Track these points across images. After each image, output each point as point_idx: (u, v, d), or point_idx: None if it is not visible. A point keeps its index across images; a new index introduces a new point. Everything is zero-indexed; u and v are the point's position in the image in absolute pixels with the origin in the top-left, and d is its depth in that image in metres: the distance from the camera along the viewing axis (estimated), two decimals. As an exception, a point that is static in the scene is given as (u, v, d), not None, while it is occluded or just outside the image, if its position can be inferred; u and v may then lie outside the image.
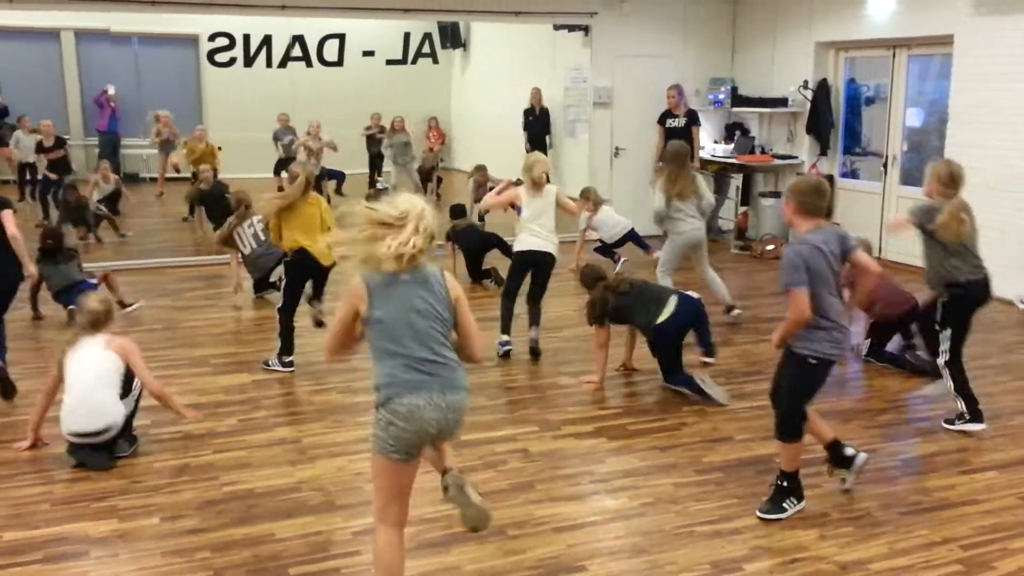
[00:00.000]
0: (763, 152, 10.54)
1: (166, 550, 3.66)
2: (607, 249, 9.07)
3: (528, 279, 6.31)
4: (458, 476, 3.34)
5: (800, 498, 4.06)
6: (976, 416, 4.96)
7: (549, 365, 6.14)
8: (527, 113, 12.52)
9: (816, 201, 3.91)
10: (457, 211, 9.18)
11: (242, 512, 3.99)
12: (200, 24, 14.28)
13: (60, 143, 11.41)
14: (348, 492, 4.17)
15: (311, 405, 5.35)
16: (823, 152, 9.98)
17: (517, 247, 6.31)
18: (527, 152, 12.22)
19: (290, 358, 5.99)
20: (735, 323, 7.11)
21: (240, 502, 4.08)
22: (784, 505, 4.03)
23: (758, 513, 4.00)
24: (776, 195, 10.20)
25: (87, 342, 4.56)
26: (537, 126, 12.29)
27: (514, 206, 6.37)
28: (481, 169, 10.88)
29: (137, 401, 4.70)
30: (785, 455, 4.04)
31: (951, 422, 5.03)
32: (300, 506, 4.05)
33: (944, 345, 4.98)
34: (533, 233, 6.17)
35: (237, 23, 14.12)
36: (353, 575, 3.50)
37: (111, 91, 14.38)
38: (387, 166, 13.41)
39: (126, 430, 4.60)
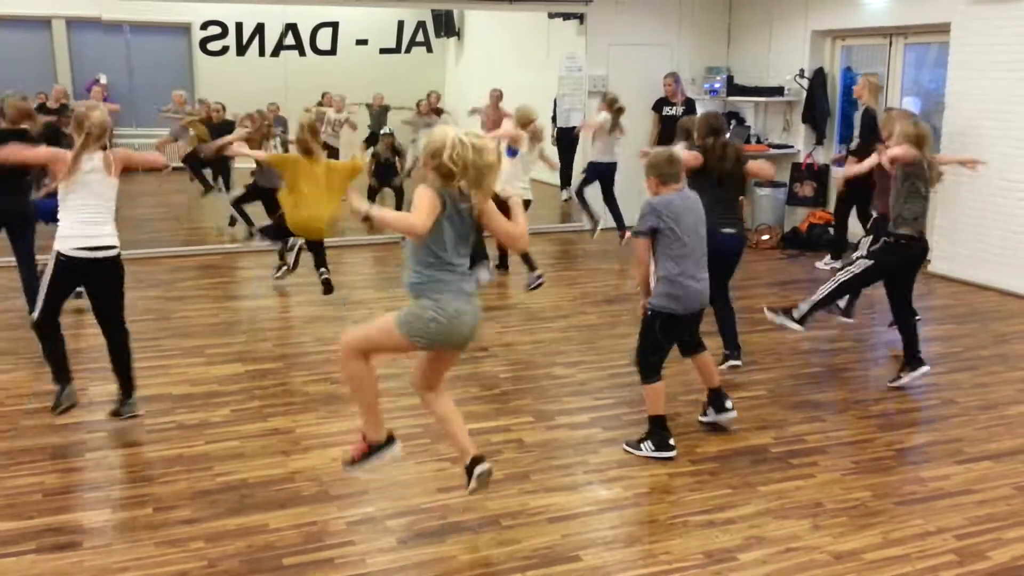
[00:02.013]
0: (759, 141, 10.51)
1: (159, 540, 3.65)
2: (593, 179, 9.12)
3: None
4: (487, 472, 3.69)
5: (660, 447, 4.42)
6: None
7: (543, 356, 6.13)
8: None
9: (672, 170, 4.41)
10: None
11: (236, 502, 3.98)
12: (192, 12, 14.19)
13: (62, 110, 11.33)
14: (342, 482, 4.16)
15: (305, 396, 5.33)
16: (819, 141, 9.98)
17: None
18: (553, 143, 12.25)
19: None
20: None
21: (234, 492, 4.07)
22: (641, 446, 4.46)
23: (629, 449, 4.48)
24: (772, 185, 10.19)
25: (93, 163, 4.54)
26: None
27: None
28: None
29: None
30: (645, 398, 4.53)
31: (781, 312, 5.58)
32: (294, 496, 4.04)
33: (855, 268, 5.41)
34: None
35: (229, 11, 14.02)
36: (347, 565, 3.49)
37: (103, 80, 14.29)
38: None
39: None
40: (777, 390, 5.47)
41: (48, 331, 4.73)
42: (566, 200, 12.01)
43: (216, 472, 4.27)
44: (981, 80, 7.94)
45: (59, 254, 4.52)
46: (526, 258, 7.25)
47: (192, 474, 4.25)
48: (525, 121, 7.29)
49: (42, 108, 11.32)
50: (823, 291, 5.47)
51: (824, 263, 8.74)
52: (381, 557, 3.55)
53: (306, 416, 4.99)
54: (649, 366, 4.49)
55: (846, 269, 5.47)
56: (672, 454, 4.44)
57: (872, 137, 8.31)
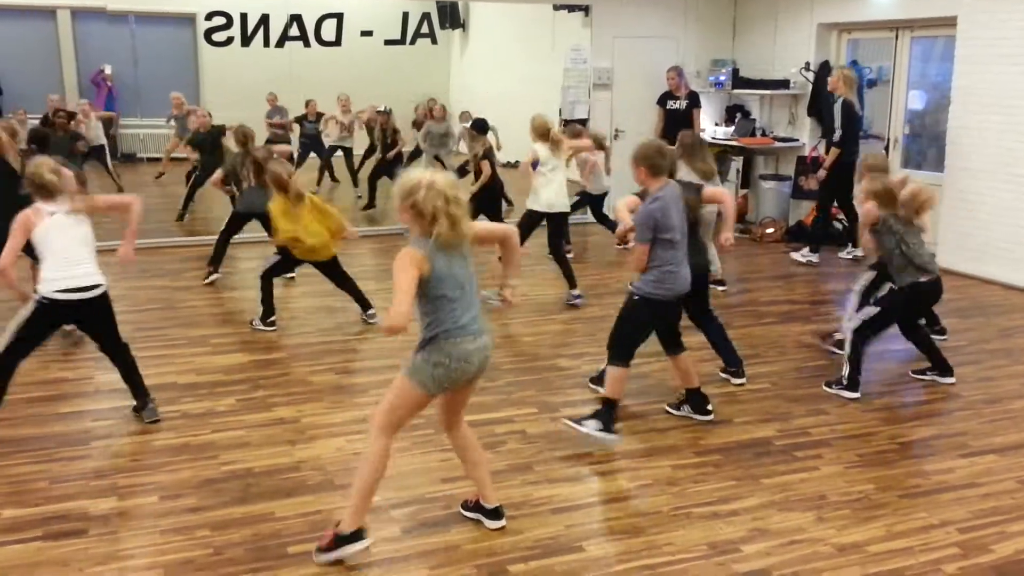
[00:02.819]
0: (764, 134, 10.50)
1: (165, 528, 3.66)
2: (585, 204, 9.00)
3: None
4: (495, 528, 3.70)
5: (605, 428, 4.47)
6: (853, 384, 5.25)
7: (548, 348, 6.14)
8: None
9: (664, 162, 4.45)
10: (480, 125, 8.45)
11: (241, 491, 3.99)
12: (197, 3, 14.17)
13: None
14: (347, 472, 4.17)
15: (309, 385, 5.34)
16: (824, 134, 9.94)
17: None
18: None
19: (272, 318, 6.39)
20: (735, 306, 7.11)
21: (239, 481, 4.08)
22: (583, 423, 4.51)
23: (572, 425, 4.54)
24: (777, 178, 10.19)
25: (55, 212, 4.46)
26: None
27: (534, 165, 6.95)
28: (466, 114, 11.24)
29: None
30: (608, 378, 4.60)
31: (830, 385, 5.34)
32: (299, 485, 4.06)
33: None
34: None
35: (234, 2, 14.00)
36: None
37: (108, 71, 14.30)
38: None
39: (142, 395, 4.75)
40: (781, 383, 5.47)
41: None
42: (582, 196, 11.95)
43: (222, 461, 4.29)
44: (987, 74, 7.92)
45: (42, 297, 4.42)
46: (566, 273, 7.12)
47: (198, 462, 4.27)
48: (543, 131, 6.94)
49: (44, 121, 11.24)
50: (847, 352, 5.29)
51: (801, 255, 8.73)
52: (385, 546, 3.56)
53: (311, 405, 5.00)
54: (625, 349, 4.58)
55: (855, 318, 5.40)
56: (616, 439, 4.49)
57: (853, 127, 8.38)
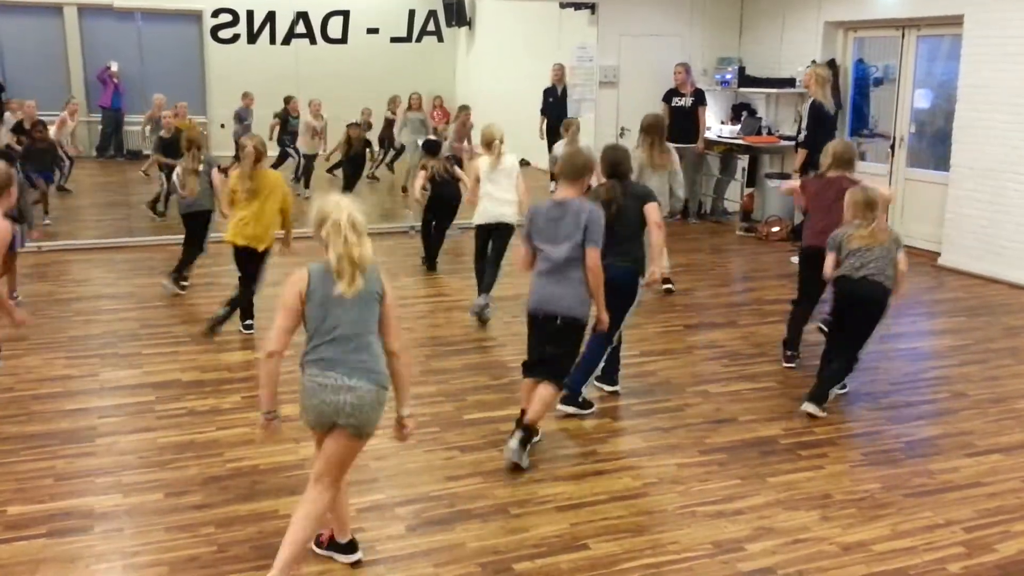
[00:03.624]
0: (770, 133, 10.47)
1: (170, 525, 3.67)
2: None
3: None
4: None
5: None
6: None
7: (553, 345, 6.13)
8: (547, 93, 11.74)
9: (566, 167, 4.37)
10: (431, 147, 8.34)
11: (246, 488, 4.00)
12: (204, 0, 14.19)
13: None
14: (352, 470, 4.14)
15: (315, 383, 5.34)
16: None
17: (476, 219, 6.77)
18: (542, 137, 12.15)
19: (249, 321, 6.20)
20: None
21: (244, 478, 4.09)
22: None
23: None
24: (783, 176, 10.16)
25: None
26: (559, 108, 10.97)
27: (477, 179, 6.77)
28: (465, 109, 11.41)
29: None
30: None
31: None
32: (304, 483, 4.00)
33: None
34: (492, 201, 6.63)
35: (241, -1, 14.03)
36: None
37: (114, 67, 14.33)
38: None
39: None
40: (787, 382, 5.46)
41: None
42: None
43: (227, 458, 4.30)
44: (993, 73, 7.89)
45: None
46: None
47: (203, 460, 4.28)
48: (488, 140, 6.69)
49: (19, 128, 11.22)
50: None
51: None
52: (390, 544, 3.57)
53: (316, 403, 5.00)
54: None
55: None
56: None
57: (819, 129, 8.37)
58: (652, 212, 4.89)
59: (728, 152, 10.55)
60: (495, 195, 6.60)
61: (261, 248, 6.13)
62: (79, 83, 15.11)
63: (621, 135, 10.70)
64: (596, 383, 5.08)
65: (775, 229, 9.73)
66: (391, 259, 8.71)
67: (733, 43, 10.95)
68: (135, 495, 3.94)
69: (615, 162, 4.99)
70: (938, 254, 8.51)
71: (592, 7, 10.58)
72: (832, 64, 9.72)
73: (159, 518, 3.74)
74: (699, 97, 9.97)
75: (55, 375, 5.39)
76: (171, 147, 10.04)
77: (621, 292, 4.72)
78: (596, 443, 4.56)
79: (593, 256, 4.19)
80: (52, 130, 10.85)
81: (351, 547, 3.44)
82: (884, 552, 3.56)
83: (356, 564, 3.41)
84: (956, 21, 8.27)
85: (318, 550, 3.49)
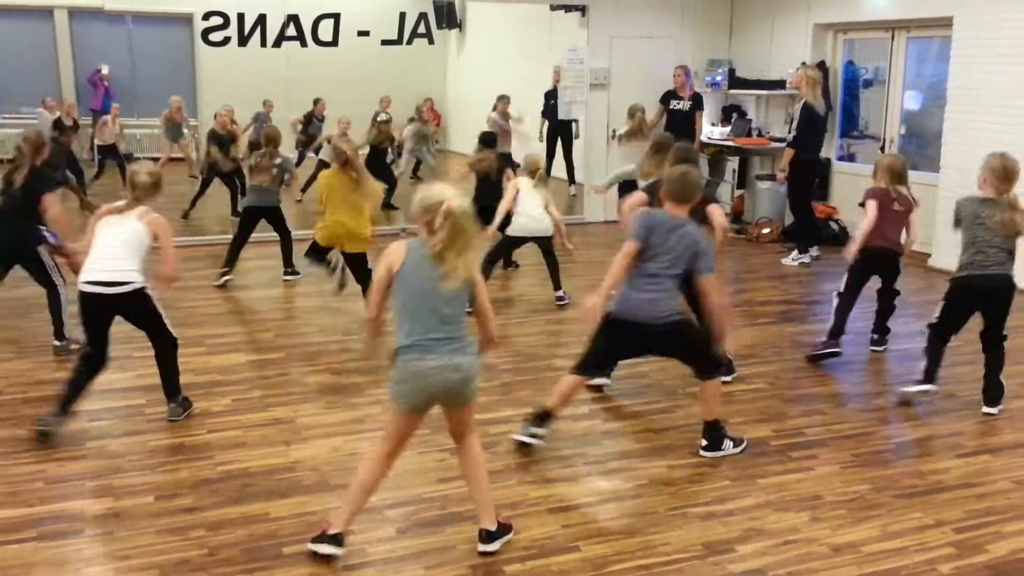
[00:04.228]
0: (760, 135, 10.51)
1: (161, 528, 3.66)
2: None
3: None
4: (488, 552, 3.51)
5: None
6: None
7: (544, 347, 6.14)
8: (548, 96, 11.74)
9: (681, 190, 4.31)
10: (489, 140, 8.56)
11: (237, 491, 3.99)
12: (194, 3, 14.15)
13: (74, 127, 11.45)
14: (342, 472, 4.17)
15: (305, 386, 5.34)
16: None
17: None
18: (541, 140, 12.14)
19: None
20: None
21: (235, 481, 4.08)
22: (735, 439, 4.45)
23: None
24: (773, 178, 10.20)
25: (123, 213, 4.58)
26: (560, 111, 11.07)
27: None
28: (504, 99, 11.36)
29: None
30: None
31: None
32: (295, 486, 4.06)
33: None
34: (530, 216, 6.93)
35: (231, 2, 13.99)
36: (348, 554, 3.49)
37: (105, 70, 14.29)
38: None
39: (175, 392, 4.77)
40: (777, 383, 5.48)
41: (84, 364, 4.60)
42: (573, 195, 12.01)
43: (217, 461, 4.29)
44: (983, 74, 7.93)
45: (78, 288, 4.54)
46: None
47: (193, 463, 4.27)
48: (533, 168, 7.18)
49: (58, 125, 11.32)
50: (926, 350, 5.14)
51: (792, 258, 8.76)
52: (381, 546, 3.56)
53: (307, 406, 5.00)
54: (712, 362, 4.49)
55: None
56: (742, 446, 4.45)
57: (809, 130, 8.47)
58: (716, 214, 5.04)
59: (718, 154, 10.57)
60: (532, 213, 6.95)
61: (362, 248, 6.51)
62: (69, 86, 15.08)
63: (613, 137, 10.72)
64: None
65: (766, 231, 9.76)
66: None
67: (723, 45, 10.98)
68: (126, 498, 3.92)
69: (683, 161, 5.05)
70: (928, 255, 8.55)
71: (582, 9, 10.60)
72: (822, 66, 9.76)
73: (150, 521, 3.72)
74: (697, 101, 9.99)
75: (46, 378, 5.37)
76: (224, 145, 10.30)
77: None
78: (587, 445, 4.56)
79: (708, 283, 4.22)
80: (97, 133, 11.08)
81: (336, 540, 3.43)
82: (874, 553, 3.57)
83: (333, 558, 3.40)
84: (945, 23, 8.32)
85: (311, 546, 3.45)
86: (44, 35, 15.00)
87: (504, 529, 3.56)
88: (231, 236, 7.93)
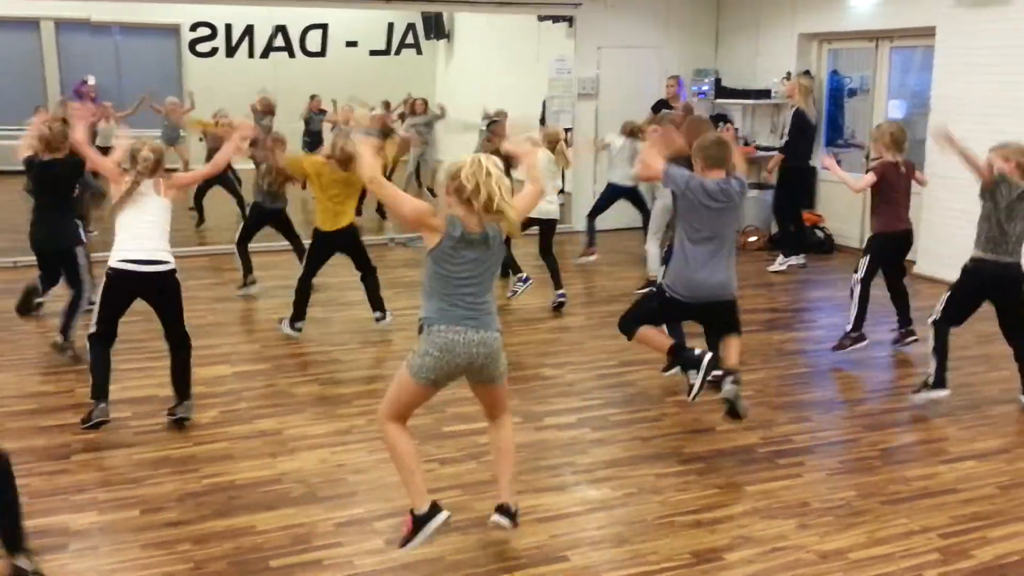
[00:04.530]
0: (746, 144, 10.56)
1: (146, 542, 3.64)
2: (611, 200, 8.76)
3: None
4: (507, 526, 3.60)
5: (694, 365, 4.55)
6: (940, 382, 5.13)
7: (532, 356, 6.14)
8: (547, 104, 11.75)
9: (720, 153, 4.45)
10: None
11: (223, 504, 3.97)
12: (181, 14, 14.17)
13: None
14: (330, 484, 4.16)
15: (292, 397, 5.32)
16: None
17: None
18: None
19: (300, 323, 6.46)
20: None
21: (221, 494, 4.06)
22: (696, 353, 4.58)
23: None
24: (759, 187, 10.25)
25: (143, 191, 4.70)
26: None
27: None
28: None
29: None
30: (649, 346, 4.76)
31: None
32: (282, 498, 4.04)
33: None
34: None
35: (219, 13, 14.01)
36: (335, 566, 3.49)
37: (91, 81, 14.21)
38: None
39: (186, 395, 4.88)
40: (764, 390, 5.49)
41: (98, 344, 4.77)
42: (561, 204, 11.97)
43: (203, 474, 4.27)
44: (966, 83, 8.00)
45: (108, 268, 4.67)
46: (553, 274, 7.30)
47: (179, 476, 4.25)
48: (553, 140, 7.39)
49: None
50: (933, 346, 5.17)
51: (778, 264, 8.80)
52: (369, 559, 3.55)
53: (294, 418, 4.99)
54: (631, 327, 4.69)
55: (935, 309, 5.26)
56: (710, 354, 4.58)
57: (800, 137, 8.58)
58: None
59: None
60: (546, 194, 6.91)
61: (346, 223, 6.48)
62: (56, 97, 15.00)
63: (605, 147, 10.74)
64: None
65: (752, 239, 9.79)
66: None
67: (709, 55, 11.04)
68: (111, 512, 3.90)
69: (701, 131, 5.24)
70: (913, 262, 8.60)
71: (570, 20, 10.65)
72: (807, 75, 9.83)
73: (135, 535, 3.70)
74: (687, 111, 10.01)
75: (30, 391, 5.34)
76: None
77: None
78: (575, 454, 4.56)
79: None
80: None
81: (433, 512, 3.44)
82: (861, 559, 3.58)
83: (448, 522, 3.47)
84: (928, 33, 8.39)
85: (408, 546, 3.46)
86: (30, 46, 14.95)
87: (431, 514, 3.44)
88: (215, 248, 7.94)
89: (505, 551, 3.60)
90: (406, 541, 3.44)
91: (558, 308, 7.18)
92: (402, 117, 12.96)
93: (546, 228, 7.28)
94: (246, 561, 3.51)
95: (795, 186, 8.86)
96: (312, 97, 13.39)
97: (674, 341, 4.71)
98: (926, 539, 3.75)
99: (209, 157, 10.09)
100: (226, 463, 4.39)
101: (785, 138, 8.69)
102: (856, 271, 6.10)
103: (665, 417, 5.04)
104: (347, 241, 6.50)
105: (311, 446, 4.60)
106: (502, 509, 3.57)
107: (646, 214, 8.44)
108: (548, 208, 7.11)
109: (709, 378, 4.53)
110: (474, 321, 3.39)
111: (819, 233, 9.52)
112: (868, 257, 6.04)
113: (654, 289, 4.64)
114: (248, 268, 7.61)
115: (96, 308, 4.81)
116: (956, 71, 8.08)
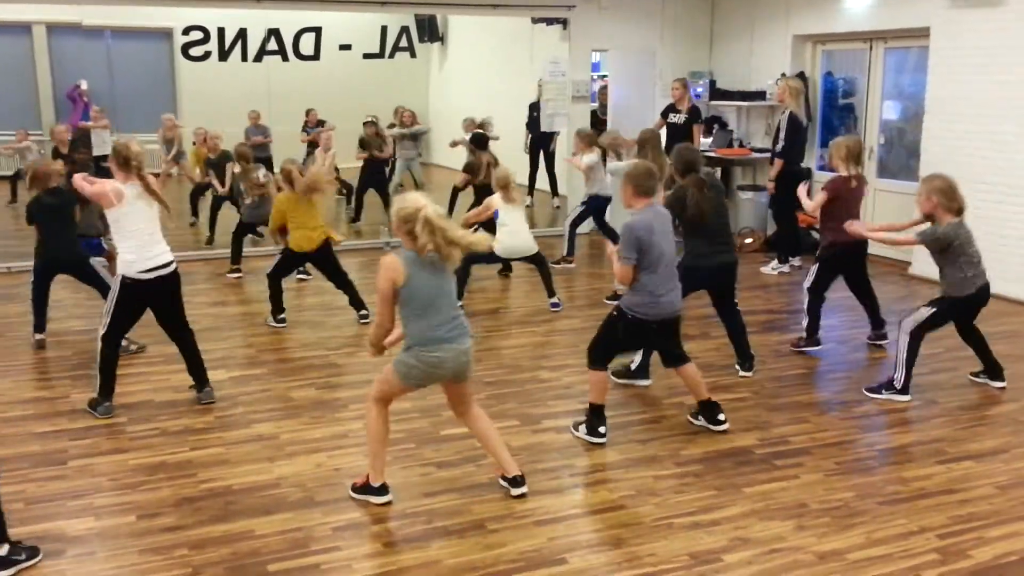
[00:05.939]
0: (741, 145, 10.58)
1: (143, 548, 3.63)
2: (594, 211, 8.84)
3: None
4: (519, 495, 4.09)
5: (590, 432, 4.69)
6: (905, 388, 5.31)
7: (529, 359, 6.14)
8: (533, 108, 11.75)
9: (650, 184, 4.58)
10: (480, 140, 9.08)
11: (220, 509, 3.96)
12: (174, 17, 14.12)
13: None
14: (327, 488, 4.15)
15: (289, 401, 5.31)
16: (772, 145, 10.03)
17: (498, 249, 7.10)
18: (526, 151, 12.15)
19: (282, 315, 6.85)
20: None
21: (218, 499, 4.05)
22: (576, 428, 4.76)
23: (572, 431, 4.78)
24: (755, 188, 10.27)
25: (137, 193, 4.84)
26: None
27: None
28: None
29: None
30: (590, 385, 4.74)
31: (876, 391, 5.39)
32: (279, 502, 4.03)
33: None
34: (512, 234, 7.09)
35: (212, 16, 13.97)
36: (333, 570, 3.48)
37: (84, 86, 14.21)
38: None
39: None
40: (762, 392, 5.50)
41: (110, 346, 5.01)
42: (556, 207, 12.01)
43: (200, 479, 4.25)
44: (960, 84, 8.02)
45: (124, 278, 4.84)
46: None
47: (176, 481, 4.23)
48: (503, 183, 7.25)
49: (57, 154, 11.19)
50: (901, 351, 5.31)
51: (772, 267, 8.82)
52: (367, 562, 3.54)
53: (290, 422, 4.97)
54: (599, 356, 4.74)
55: (911, 318, 5.35)
56: (600, 441, 4.67)
57: (798, 138, 8.59)
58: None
59: (701, 165, 10.60)
60: (513, 227, 7.08)
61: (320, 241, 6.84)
62: (48, 102, 14.98)
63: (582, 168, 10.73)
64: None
65: (748, 241, 9.80)
66: (370, 275, 8.70)
67: (704, 57, 11.06)
68: (107, 518, 3.89)
69: (692, 160, 5.51)
70: (909, 263, 8.63)
71: (564, 22, 10.65)
72: (802, 77, 9.85)
73: (132, 541, 3.69)
74: (694, 114, 10.00)
75: (26, 397, 5.32)
76: (217, 167, 10.33)
77: (735, 276, 5.68)
78: (573, 456, 4.56)
79: None
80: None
81: (383, 490, 4.00)
82: (859, 560, 3.59)
83: (387, 504, 3.94)
84: (923, 33, 8.41)
85: (353, 494, 4.02)
86: (22, 50, 14.91)
87: (381, 490, 3.99)
88: (209, 252, 7.95)
89: (503, 554, 3.59)
90: (355, 490, 4.03)
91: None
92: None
93: (530, 260, 7.33)
94: (244, 566, 3.50)
95: (790, 189, 8.86)
96: (308, 112, 13.44)
97: (601, 403, 4.71)
98: (924, 539, 3.75)
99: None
100: (223, 468, 4.37)
101: (782, 143, 8.62)
102: (804, 280, 6.27)
103: (662, 419, 5.04)
104: (323, 256, 6.87)
105: (308, 450, 4.59)
106: (514, 481, 4.05)
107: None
108: (521, 246, 7.16)
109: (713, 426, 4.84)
110: (455, 334, 3.80)
111: (814, 235, 9.53)
112: (816, 267, 6.17)
113: (615, 313, 4.67)
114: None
115: (110, 314, 4.94)
116: (951, 72, 8.10)
